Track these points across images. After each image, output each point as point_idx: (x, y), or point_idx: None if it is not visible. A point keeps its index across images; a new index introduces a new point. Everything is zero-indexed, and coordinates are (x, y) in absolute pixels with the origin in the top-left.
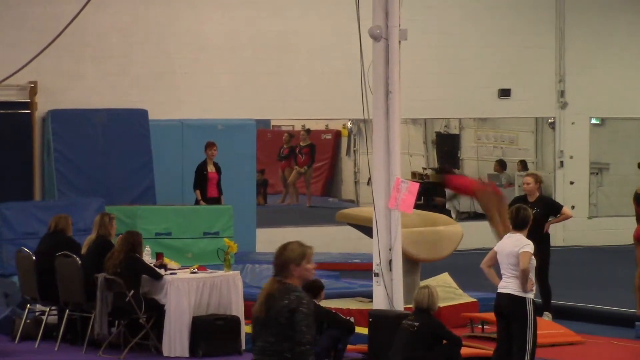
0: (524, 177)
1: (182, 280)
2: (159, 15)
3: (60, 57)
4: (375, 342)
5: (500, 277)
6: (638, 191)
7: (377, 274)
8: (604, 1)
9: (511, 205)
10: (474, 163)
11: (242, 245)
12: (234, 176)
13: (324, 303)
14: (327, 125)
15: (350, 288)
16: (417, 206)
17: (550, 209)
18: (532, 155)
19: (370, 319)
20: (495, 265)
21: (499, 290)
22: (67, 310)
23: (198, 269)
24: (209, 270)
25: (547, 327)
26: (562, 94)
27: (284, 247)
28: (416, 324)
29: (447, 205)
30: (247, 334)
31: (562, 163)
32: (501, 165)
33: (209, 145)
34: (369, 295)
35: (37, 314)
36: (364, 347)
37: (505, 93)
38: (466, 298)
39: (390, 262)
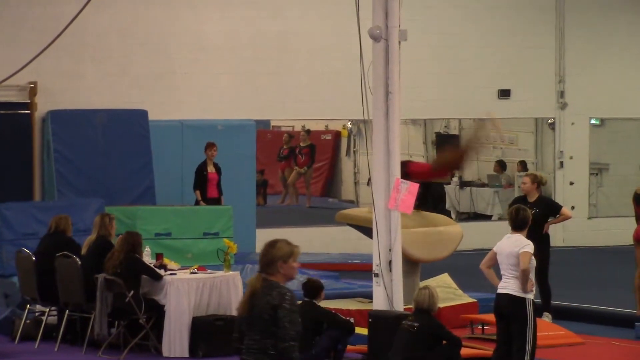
0: (522, 177)
1: (182, 280)
2: (159, 15)
3: (60, 58)
4: (375, 342)
5: (500, 277)
6: (638, 191)
7: (377, 275)
8: (604, 1)
9: (511, 206)
10: (474, 163)
11: (242, 245)
12: (234, 177)
13: (324, 303)
14: (327, 126)
15: (350, 288)
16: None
17: (549, 209)
18: (532, 155)
19: (370, 320)
20: (494, 265)
21: (499, 291)
22: (67, 311)
23: (198, 270)
24: (209, 271)
25: (547, 329)
26: (562, 94)
27: (272, 245)
28: (416, 324)
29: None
30: None
31: (561, 163)
32: (501, 165)
33: (209, 146)
34: (368, 296)
35: (37, 314)
36: (363, 347)
37: (505, 93)
38: (466, 298)
39: (390, 262)
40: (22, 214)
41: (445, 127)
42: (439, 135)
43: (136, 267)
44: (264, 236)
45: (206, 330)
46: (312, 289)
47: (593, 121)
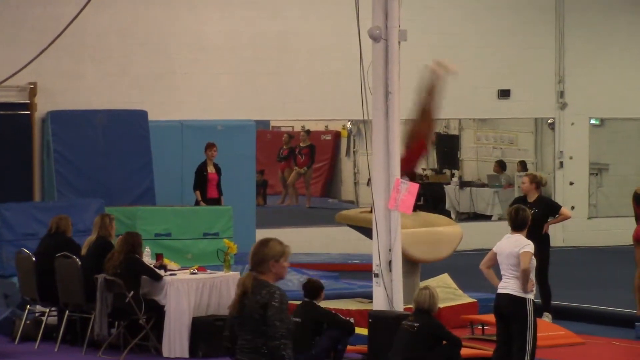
0: (522, 177)
1: (181, 281)
2: (159, 15)
3: (60, 58)
4: (375, 342)
5: (499, 277)
6: (637, 191)
7: (376, 275)
8: (604, 1)
9: (511, 206)
10: (474, 164)
11: (242, 246)
12: (234, 177)
13: (324, 303)
14: (326, 126)
15: (350, 289)
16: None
17: (549, 209)
18: (532, 155)
19: (370, 320)
20: (494, 266)
21: (499, 291)
22: (67, 311)
23: (198, 270)
24: (209, 271)
25: (547, 329)
26: (561, 94)
27: (264, 244)
28: (416, 324)
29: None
30: None
31: (561, 164)
32: (501, 166)
33: (209, 146)
34: (368, 296)
35: (37, 314)
36: (363, 347)
37: (504, 93)
38: (466, 299)
39: (390, 262)
40: (22, 215)
41: (445, 127)
42: (438, 135)
43: (136, 268)
44: (264, 236)
45: (206, 330)
46: (312, 289)
47: (593, 121)
